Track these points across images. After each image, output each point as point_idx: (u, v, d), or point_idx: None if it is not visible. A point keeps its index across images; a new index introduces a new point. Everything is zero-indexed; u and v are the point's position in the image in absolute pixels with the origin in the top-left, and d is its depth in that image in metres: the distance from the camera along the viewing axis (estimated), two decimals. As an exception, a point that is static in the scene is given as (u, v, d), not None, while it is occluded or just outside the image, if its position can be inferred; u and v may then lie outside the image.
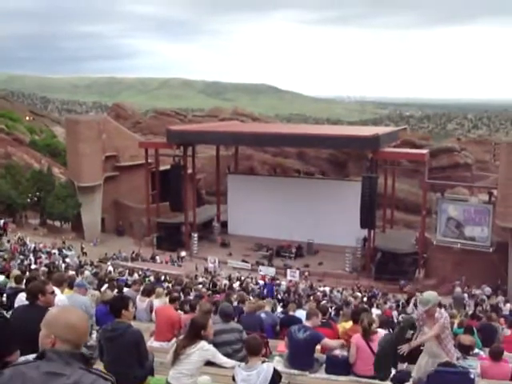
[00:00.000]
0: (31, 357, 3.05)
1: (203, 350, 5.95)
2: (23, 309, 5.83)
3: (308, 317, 8.82)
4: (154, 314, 11.32)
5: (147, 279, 29.19)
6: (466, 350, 9.99)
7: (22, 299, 6.72)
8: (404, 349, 7.37)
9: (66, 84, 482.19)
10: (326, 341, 8.37)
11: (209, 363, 6.63)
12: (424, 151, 44.51)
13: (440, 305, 10.66)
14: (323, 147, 51.61)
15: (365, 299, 30.76)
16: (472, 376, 6.92)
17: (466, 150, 57.31)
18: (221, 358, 6.43)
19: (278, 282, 35.91)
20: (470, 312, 22.31)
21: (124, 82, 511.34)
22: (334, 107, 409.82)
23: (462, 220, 39.25)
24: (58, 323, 2.91)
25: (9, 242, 38.70)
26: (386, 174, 46.98)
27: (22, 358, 3.34)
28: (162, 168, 48.67)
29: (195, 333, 6.11)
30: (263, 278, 38.14)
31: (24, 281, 10.56)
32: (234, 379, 5.94)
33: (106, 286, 16.00)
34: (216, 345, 7.60)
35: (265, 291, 30.33)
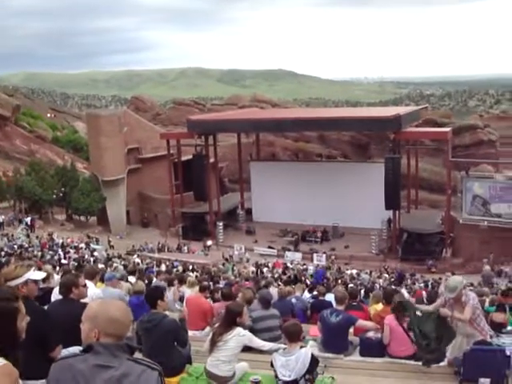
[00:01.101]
0: (77, 349, 3.10)
1: (240, 335, 6.01)
2: (58, 303, 5.87)
3: (339, 301, 8.78)
4: (184, 303, 11.42)
5: (175, 269, 29.44)
6: (498, 328, 9.95)
7: (57, 293, 6.77)
8: (446, 312, 7.22)
9: (85, 79, 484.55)
10: (361, 322, 8.39)
11: (246, 349, 6.69)
12: (446, 129, 44.12)
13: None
14: (344, 130, 51.53)
15: (392, 280, 30.75)
16: (508, 353, 6.88)
17: (490, 126, 56.63)
18: (258, 342, 6.47)
19: (305, 266, 35.96)
20: (502, 289, 22.12)
21: (142, 75, 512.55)
22: (352, 89, 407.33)
23: (488, 197, 38.93)
24: (101, 317, 2.91)
25: (38, 237, 39.22)
26: (408, 154, 46.58)
27: (65, 352, 3.39)
28: (184, 158, 48.90)
29: (231, 320, 6.16)
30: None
31: (55, 277, 10.58)
32: (272, 365, 5.99)
33: (133, 277, 16.09)
34: (256, 331, 7.67)
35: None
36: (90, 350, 2.88)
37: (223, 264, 36.73)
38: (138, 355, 6.22)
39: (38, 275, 5.15)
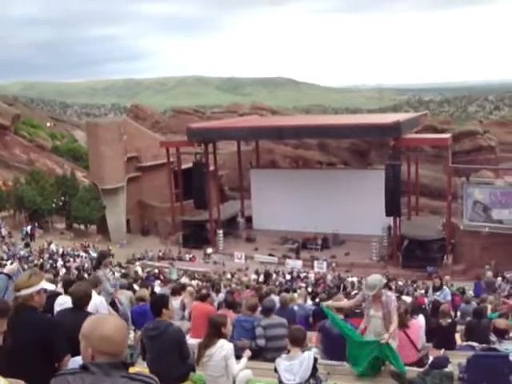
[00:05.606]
0: (79, 359, 3.09)
1: (222, 348, 5.90)
2: (68, 313, 5.66)
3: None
4: (187, 311, 11.38)
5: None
6: (501, 334, 9.96)
7: (60, 302, 6.72)
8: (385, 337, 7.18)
9: (84, 88, 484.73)
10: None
11: (250, 357, 6.66)
12: (446, 136, 44.13)
13: (389, 286, 10.77)
14: (344, 137, 51.45)
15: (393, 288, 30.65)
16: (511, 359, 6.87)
17: (489, 132, 56.59)
18: (233, 364, 6.07)
19: (305, 274, 35.91)
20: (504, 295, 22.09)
21: (141, 83, 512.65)
22: (351, 96, 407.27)
23: (489, 203, 38.90)
24: (94, 336, 2.89)
25: (39, 247, 39.23)
26: (408, 160, 46.56)
27: (72, 361, 3.36)
28: (184, 166, 48.88)
29: (216, 331, 6.06)
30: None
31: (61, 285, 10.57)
32: (275, 370, 5.98)
33: (137, 286, 16.09)
34: (266, 339, 7.65)
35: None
36: (86, 369, 2.88)
37: (223, 272, 36.61)
38: (142, 364, 6.27)
39: (50, 285, 5.17)
